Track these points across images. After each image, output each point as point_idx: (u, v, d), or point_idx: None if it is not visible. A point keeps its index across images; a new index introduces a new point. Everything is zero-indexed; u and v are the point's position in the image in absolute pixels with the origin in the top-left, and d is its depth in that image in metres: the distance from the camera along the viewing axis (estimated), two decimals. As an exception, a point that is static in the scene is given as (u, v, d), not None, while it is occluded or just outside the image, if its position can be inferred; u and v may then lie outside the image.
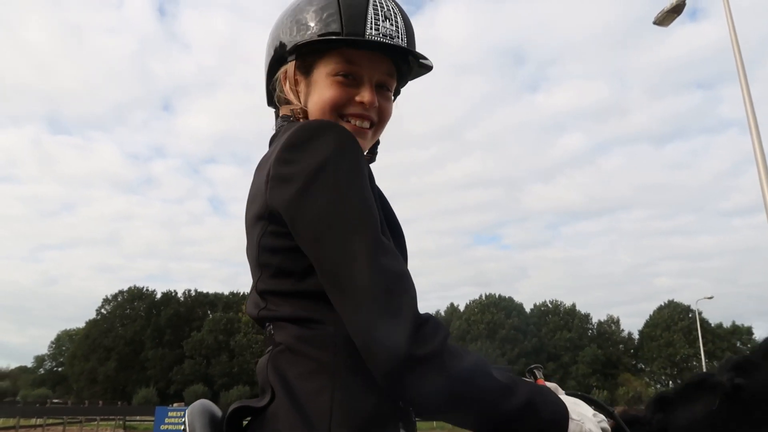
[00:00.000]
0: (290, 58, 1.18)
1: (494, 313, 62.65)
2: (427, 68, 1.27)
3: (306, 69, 1.18)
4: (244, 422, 1.06)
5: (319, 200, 0.98)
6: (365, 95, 1.15)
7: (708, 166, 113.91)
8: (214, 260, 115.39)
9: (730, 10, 9.67)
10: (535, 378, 1.17)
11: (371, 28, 1.13)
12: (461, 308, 66.63)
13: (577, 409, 1.04)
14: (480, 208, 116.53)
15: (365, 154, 1.24)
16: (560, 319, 66.78)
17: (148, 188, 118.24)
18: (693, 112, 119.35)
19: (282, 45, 1.20)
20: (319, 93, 1.16)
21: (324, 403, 0.97)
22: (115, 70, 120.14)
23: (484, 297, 65.82)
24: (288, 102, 1.21)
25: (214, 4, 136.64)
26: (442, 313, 66.82)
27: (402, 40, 1.16)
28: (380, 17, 1.14)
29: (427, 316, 0.96)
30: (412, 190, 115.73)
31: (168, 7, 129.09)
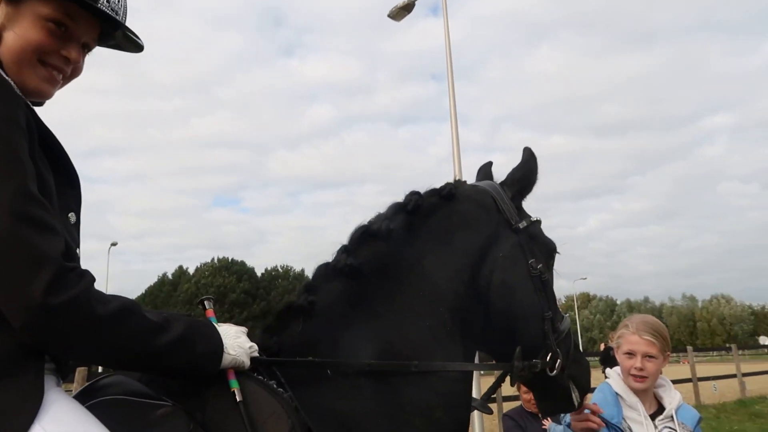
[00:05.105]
0: None
1: (226, 276, 62.03)
2: (137, 47, 1.35)
3: None
4: None
5: None
6: (72, 53, 1.20)
7: (433, 151, 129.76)
8: None
9: (447, 20, 11.23)
10: (205, 309, 1.31)
11: None
12: (191, 271, 64.39)
13: (235, 341, 1.20)
14: (223, 170, 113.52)
15: (43, 101, 1.26)
16: (289, 284, 69.32)
17: None
18: (426, 101, 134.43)
19: None
20: (24, 30, 1.13)
21: None
22: None
23: (216, 260, 64.65)
24: None
25: None
26: (170, 276, 63.62)
27: (123, 17, 1.24)
28: None
29: (72, 265, 1.01)
30: (150, 144, 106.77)
31: None
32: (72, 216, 1.18)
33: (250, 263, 67.77)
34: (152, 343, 1.07)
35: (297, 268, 71.96)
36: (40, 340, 0.99)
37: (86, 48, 1.25)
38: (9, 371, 0.99)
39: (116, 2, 1.22)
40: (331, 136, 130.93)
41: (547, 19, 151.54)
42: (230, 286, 61.60)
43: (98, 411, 1.09)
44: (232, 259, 65.72)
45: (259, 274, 68.19)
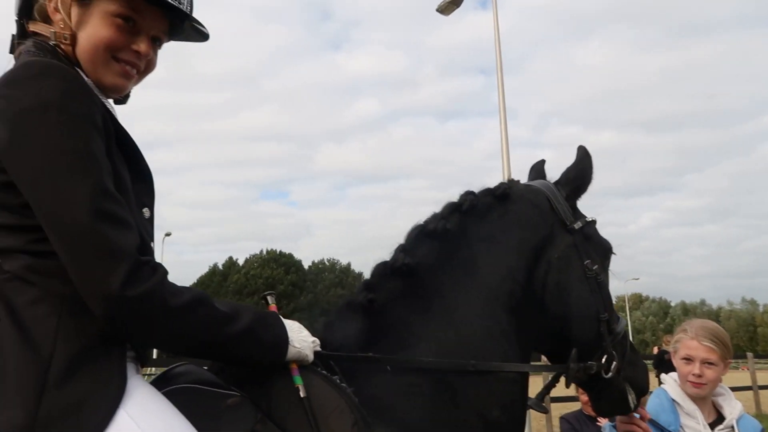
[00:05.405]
0: None
1: (274, 268, 63.26)
2: (203, 36, 1.37)
3: None
4: None
5: (39, 142, 1.02)
6: (142, 46, 1.23)
7: (479, 146, 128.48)
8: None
9: (497, 16, 11.07)
10: (268, 304, 1.35)
11: None
12: (241, 262, 65.97)
13: (299, 335, 1.24)
14: (271, 163, 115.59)
15: (124, 96, 1.33)
16: (335, 277, 70.06)
17: None
18: (473, 95, 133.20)
19: None
20: (95, 28, 1.18)
21: (50, 328, 1.03)
22: None
23: (265, 252, 66.01)
24: (48, 20, 1.20)
25: None
26: (221, 267, 65.34)
27: (187, 6, 1.26)
28: None
29: (147, 259, 1.07)
30: (200, 136, 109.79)
31: None
32: (146, 211, 1.24)
33: (296, 256, 68.92)
34: (222, 332, 1.12)
35: (343, 262, 72.68)
36: (118, 329, 1.06)
37: (157, 42, 1.28)
38: (95, 357, 1.05)
39: None
40: (377, 130, 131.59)
41: (597, 11, 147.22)
42: (278, 278, 62.76)
43: (172, 398, 1.15)
44: (280, 252, 66.92)
45: (306, 266, 69.18)
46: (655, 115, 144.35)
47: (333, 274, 70.50)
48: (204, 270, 65.90)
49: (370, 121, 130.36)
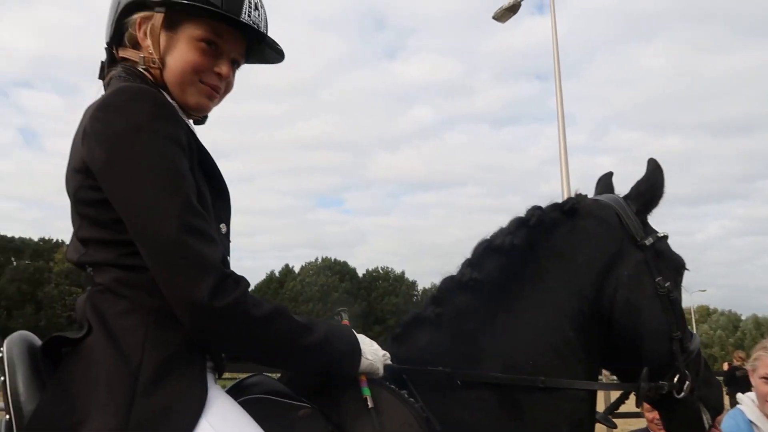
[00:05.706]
0: (159, 9, 1.24)
1: (329, 276, 63.97)
2: (279, 55, 1.43)
3: (171, 24, 1.25)
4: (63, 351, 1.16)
5: (131, 161, 1.09)
6: (223, 68, 1.30)
7: (535, 153, 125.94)
8: (22, 200, 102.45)
9: (555, 18, 10.91)
10: (341, 319, 1.39)
11: (245, 13, 1.27)
12: (297, 270, 67.07)
13: (371, 348, 1.28)
14: (327, 171, 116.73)
15: (203, 117, 1.39)
16: (389, 285, 70.19)
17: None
18: (529, 100, 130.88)
19: None
20: (182, 53, 1.25)
21: (138, 338, 1.10)
22: None
23: (320, 260, 66.90)
24: (137, 47, 1.28)
25: None
26: (277, 274, 66.65)
27: (266, 29, 1.33)
28: (253, 5, 1.29)
29: (230, 271, 1.12)
30: (258, 145, 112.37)
31: None
32: (223, 227, 1.30)
33: (351, 263, 69.42)
34: (300, 342, 1.16)
35: (397, 270, 72.68)
36: (205, 338, 1.12)
37: (235, 64, 1.35)
38: (179, 367, 1.11)
39: (257, 16, 1.30)
40: (431, 137, 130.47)
41: (659, 11, 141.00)
42: (333, 285, 63.45)
43: (247, 407, 1.19)
44: (335, 260, 67.68)
45: (360, 274, 69.62)
46: (722, 118, 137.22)
47: (387, 282, 70.63)
48: (261, 277, 67.43)
49: (424, 129, 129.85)
